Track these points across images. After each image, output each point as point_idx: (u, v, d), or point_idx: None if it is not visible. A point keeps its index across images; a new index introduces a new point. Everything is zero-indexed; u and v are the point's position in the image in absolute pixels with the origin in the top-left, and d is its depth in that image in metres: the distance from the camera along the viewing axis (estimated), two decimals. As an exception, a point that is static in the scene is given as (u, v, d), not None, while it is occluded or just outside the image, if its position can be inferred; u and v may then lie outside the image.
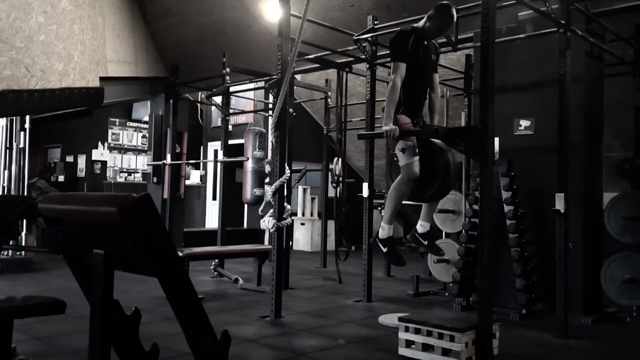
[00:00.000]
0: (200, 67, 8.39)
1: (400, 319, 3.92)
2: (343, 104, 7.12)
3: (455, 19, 4.20)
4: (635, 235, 5.17)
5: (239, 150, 9.13)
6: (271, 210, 5.05)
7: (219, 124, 9.62)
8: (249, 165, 7.94)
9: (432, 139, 4.17)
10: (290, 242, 8.95)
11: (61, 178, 13.09)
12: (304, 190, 11.61)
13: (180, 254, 5.69)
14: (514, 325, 4.92)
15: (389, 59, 6.43)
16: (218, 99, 8.19)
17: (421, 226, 4.50)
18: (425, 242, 4.52)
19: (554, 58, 4.79)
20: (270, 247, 5.43)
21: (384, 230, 4.32)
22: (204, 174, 13.26)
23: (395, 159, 4.26)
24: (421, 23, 4.21)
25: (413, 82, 4.17)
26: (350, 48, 6.22)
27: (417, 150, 4.10)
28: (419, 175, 4.08)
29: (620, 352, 4.35)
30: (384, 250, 4.35)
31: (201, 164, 13.04)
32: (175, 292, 2.06)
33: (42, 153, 13.58)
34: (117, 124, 13.26)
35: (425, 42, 4.22)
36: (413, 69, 4.15)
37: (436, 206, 4.69)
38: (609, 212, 5.28)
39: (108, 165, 13.04)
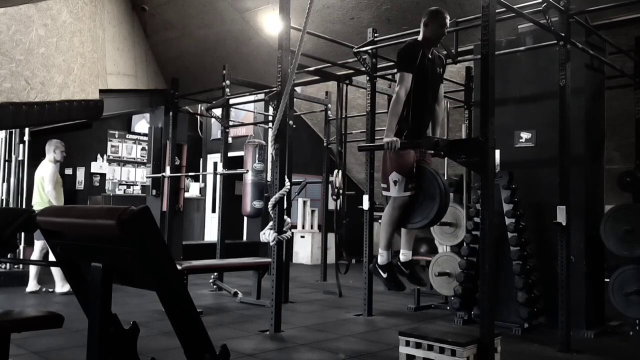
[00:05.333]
0: (200, 80, 8.41)
1: (401, 333, 3.88)
2: (343, 116, 7.12)
3: (448, 19, 4.20)
4: (632, 248, 5.12)
5: (239, 162, 9.13)
6: (271, 223, 5.02)
7: (219, 136, 9.63)
8: (249, 177, 7.92)
9: (425, 165, 4.18)
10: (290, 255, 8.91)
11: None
12: (304, 202, 11.58)
13: (179, 267, 5.65)
14: (516, 340, 4.88)
15: (389, 71, 6.47)
16: (218, 111, 8.19)
17: (403, 255, 4.39)
18: (407, 272, 4.41)
19: (554, 70, 4.80)
20: (269, 260, 5.40)
21: (382, 257, 4.28)
22: (203, 187, 13.24)
23: (384, 186, 4.22)
24: (420, 35, 4.22)
25: (420, 95, 4.13)
26: (350, 60, 6.23)
27: (410, 185, 4.07)
28: (408, 202, 4.07)
29: (624, 367, 4.31)
30: (384, 276, 4.30)
31: (200, 176, 13.02)
32: (174, 306, 2.03)
33: (41, 165, 13.54)
34: (116, 136, 13.26)
35: (431, 56, 4.21)
36: (421, 83, 4.13)
37: (414, 234, 4.62)
38: (605, 225, 5.24)
39: (107, 177, 13.02)
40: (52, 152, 6.96)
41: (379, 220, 9.10)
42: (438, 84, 4.35)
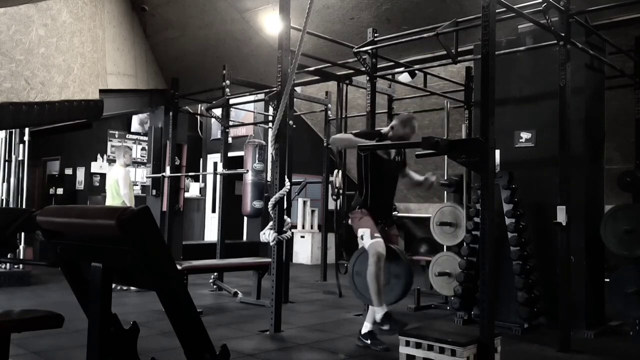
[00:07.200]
0: (200, 80, 8.40)
1: (401, 333, 3.88)
2: (343, 116, 7.12)
3: (415, 130, 4.49)
4: (632, 248, 5.11)
5: (239, 162, 9.12)
6: (271, 223, 5.02)
7: (219, 136, 9.63)
8: (249, 177, 7.92)
9: (391, 245, 4.44)
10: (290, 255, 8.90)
11: (60, 191, 13.08)
12: (304, 202, 11.58)
13: (179, 267, 5.65)
14: (516, 340, 4.87)
15: (389, 71, 6.50)
16: (218, 111, 8.19)
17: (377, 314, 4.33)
18: (386, 327, 4.26)
19: (554, 70, 4.79)
20: (269, 260, 5.40)
21: (378, 314, 4.27)
22: (203, 187, 13.24)
23: (360, 239, 4.41)
24: (385, 129, 4.54)
25: (378, 181, 4.44)
26: (350, 60, 6.23)
27: (375, 235, 4.27)
28: (384, 254, 4.24)
29: (624, 367, 4.31)
30: (387, 328, 4.25)
31: (200, 176, 13.02)
32: (174, 306, 2.03)
33: (41, 165, 13.56)
34: (116, 136, 13.26)
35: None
36: (377, 169, 4.45)
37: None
38: (605, 225, 5.23)
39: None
40: (122, 156, 7.55)
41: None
42: (397, 172, 4.67)
